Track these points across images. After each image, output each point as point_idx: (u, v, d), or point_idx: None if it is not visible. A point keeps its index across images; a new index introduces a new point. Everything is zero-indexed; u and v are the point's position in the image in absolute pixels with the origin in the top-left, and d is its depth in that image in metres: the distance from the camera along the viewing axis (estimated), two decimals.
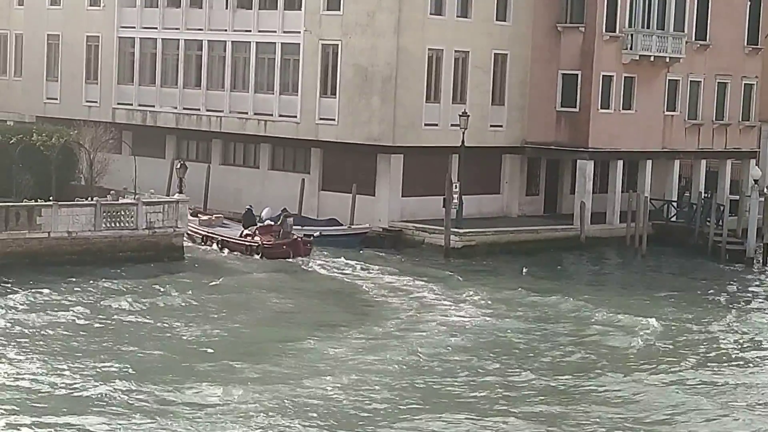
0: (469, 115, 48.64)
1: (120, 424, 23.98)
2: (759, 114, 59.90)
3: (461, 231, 47.16)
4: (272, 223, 46.87)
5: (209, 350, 30.29)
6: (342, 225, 48.27)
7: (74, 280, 37.68)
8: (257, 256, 44.21)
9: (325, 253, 44.90)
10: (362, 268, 43.11)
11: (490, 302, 37.97)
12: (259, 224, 46.14)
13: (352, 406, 25.95)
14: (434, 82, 49.78)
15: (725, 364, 31.74)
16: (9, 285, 36.45)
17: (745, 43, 57.99)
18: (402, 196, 49.16)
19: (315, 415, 25.17)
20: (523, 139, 52.53)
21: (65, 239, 40.29)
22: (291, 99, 51.11)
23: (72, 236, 40.48)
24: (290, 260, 43.70)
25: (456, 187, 47.71)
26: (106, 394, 25.76)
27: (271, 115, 51.65)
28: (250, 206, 48.05)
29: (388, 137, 48.64)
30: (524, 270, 43.99)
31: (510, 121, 52.22)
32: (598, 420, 25.86)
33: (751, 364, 31.98)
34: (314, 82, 50.29)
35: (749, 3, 57.75)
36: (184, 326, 32.84)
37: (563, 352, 32.23)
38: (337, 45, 49.68)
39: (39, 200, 41.67)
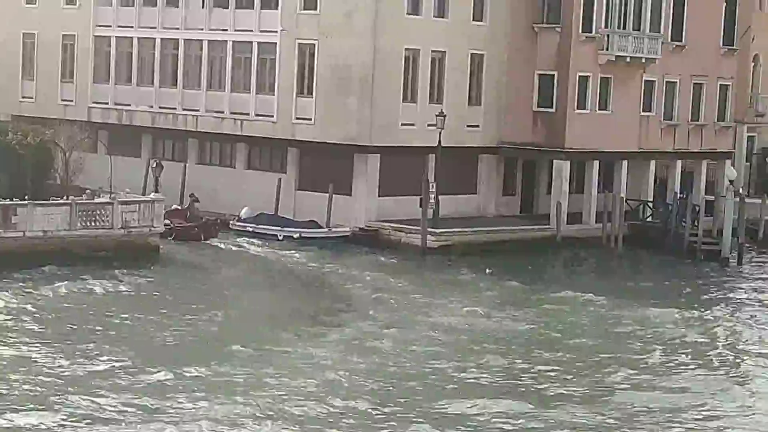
0: (445, 115, 48.66)
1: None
2: (734, 115, 60.15)
3: (438, 231, 47.18)
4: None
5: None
6: (322, 227, 48.24)
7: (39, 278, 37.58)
8: (170, 238, 44.83)
9: (297, 253, 45.02)
10: (339, 267, 43.13)
11: (466, 302, 37.98)
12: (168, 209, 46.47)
13: (330, 406, 25.93)
14: (411, 82, 49.79)
15: (695, 363, 31.84)
16: None
17: (721, 44, 58.20)
18: (379, 196, 49.14)
19: (293, 415, 25.14)
20: (500, 139, 52.57)
21: (40, 238, 40.10)
22: (267, 98, 51.04)
23: (47, 235, 40.30)
24: (206, 242, 45.65)
25: (432, 187, 47.73)
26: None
27: (248, 114, 51.58)
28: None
29: (365, 137, 48.62)
30: (488, 270, 43.95)
31: (486, 122, 52.27)
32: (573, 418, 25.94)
33: (722, 364, 32.07)
34: (291, 81, 50.24)
35: (725, 4, 57.97)
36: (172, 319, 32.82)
37: (546, 350, 32.27)
38: (314, 45, 49.64)
39: (14, 199, 41.44)
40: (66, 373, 27.54)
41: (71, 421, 24.14)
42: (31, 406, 24.90)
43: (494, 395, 27.52)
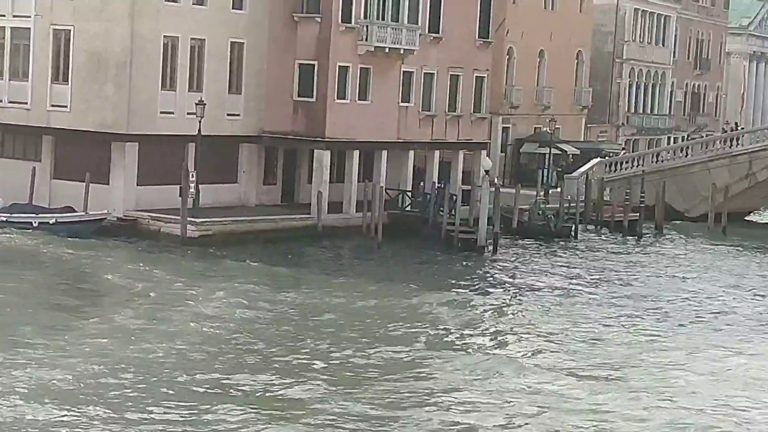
0: (205, 104, 48.23)
1: None
2: (489, 106, 61.59)
3: (198, 220, 46.74)
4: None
5: None
6: (77, 212, 47.14)
7: None
8: None
9: (52, 242, 43.96)
10: (96, 257, 42.29)
11: (226, 291, 37.76)
12: None
13: (86, 396, 25.34)
14: (170, 69, 49.15)
15: (449, 345, 32.48)
16: None
17: (477, 37, 59.48)
18: (137, 185, 48.33)
19: (46, 403, 24.46)
20: (261, 128, 52.45)
21: None
22: (21, 85, 49.62)
23: None
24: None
25: (192, 176, 47.25)
26: None
27: (1, 101, 50.05)
28: None
29: (122, 125, 47.77)
30: (248, 261, 43.85)
31: (247, 110, 52.06)
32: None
33: (479, 347, 32.83)
34: (45, 68, 48.95)
35: None
36: None
37: (309, 337, 32.34)
38: (70, 30, 48.49)
39: None
40: None
41: None
42: None
43: (260, 378, 27.43)
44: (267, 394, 26.57)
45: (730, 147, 67.48)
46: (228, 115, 51.34)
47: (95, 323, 32.44)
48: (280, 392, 26.77)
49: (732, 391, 29.31)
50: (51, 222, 46.22)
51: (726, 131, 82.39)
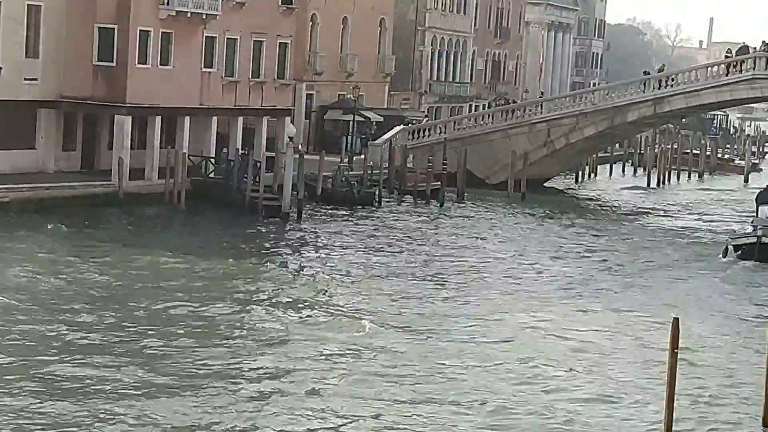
0: (1, 68, 46.83)
1: None
2: (293, 73, 61.47)
3: None
4: None
5: None
6: None
7: None
8: None
9: None
10: None
11: (28, 260, 36.89)
12: None
13: None
14: None
15: (244, 312, 32.48)
16: None
17: (280, 3, 59.25)
18: None
19: None
20: (60, 93, 51.24)
21: None
22: None
23: None
24: None
25: None
26: None
27: None
28: None
29: None
30: (50, 226, 42.94)
31: (45, 75, 50.79)
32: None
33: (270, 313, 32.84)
34: None
35: None
36: None
37: (118, 305, 31.82)
38: None
39: None
40: None
41: None
42: None
43: (41, 354, 26.89)
44: (44, 370, 25.91)
45: (530, 115, 68.87)
46: (25, 79, 49.99)
47: None
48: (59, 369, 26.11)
49: (527, 352, 29.98)
50: None
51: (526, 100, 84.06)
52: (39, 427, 22.17)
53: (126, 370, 25.97)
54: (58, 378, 25.15)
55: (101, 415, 22.94)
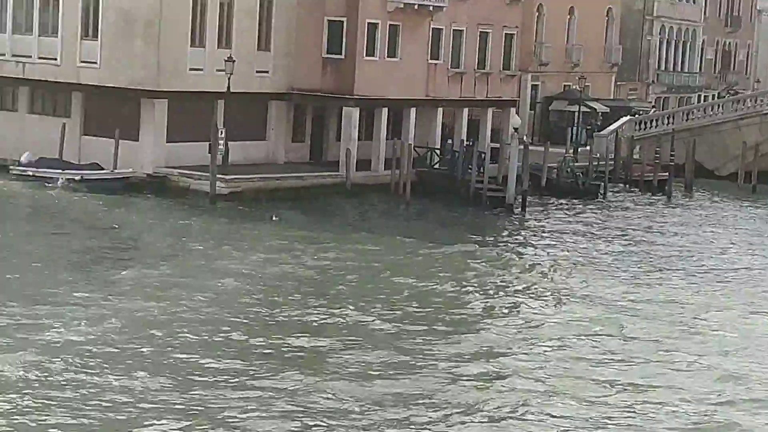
0: (234, 61, 48.15)
1: None
2: (519, 64, 61.31)
3: (227, 177, 46.79)
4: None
5: None
6: (104, 169, 47.34)
7: None
8: None
9: (80, 197, 44.21)
10: (124, 213, 42.52)
11: (258, 248, 37.85)
12: None
13: (111, 354, 25.50)
14: (199, 26, 49.10)
15: (481, 303, 32.55)
16: None
17: None
18: (167, 142, 48.42)
19: (73, 361, 24.61)
20: (290, 85, 52.38)
21: None
22: (51, 41, 49.67)
23: None
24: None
25: (222, 133, 47.29)
26: None
27: (30, 56, 50.13)
28: None
29: (152, 82, 47.78)
30: (274, 217, 43.91)
31: (276, 68, 51.99)
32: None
33: (503, 304, 32.85)
34: (75, 23, 48.98)
35: None
36: None
37: (327, 296, 32.42)
38: None
39: None
40: None
41: None
42: None
43: (290, 336, 27.53)
44: (298, 353, 26.62)
45: (761, 106, 67.03)
46: (257, 72, 51.29)
47: (122, 279, 32.48)
48: (309, 350, 26.82)
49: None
50: (77, 178, 46.46)
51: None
52: (289, 399, 22.77)
53: (365, 349, 26.44)
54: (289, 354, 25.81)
55: (343, 391, 23.46)
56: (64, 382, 23.22)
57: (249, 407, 22.52)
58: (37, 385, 23.02)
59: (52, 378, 23.41)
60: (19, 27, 50.46)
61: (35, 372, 23.62)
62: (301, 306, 30.77)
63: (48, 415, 21.49)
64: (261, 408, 22.56)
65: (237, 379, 24.25)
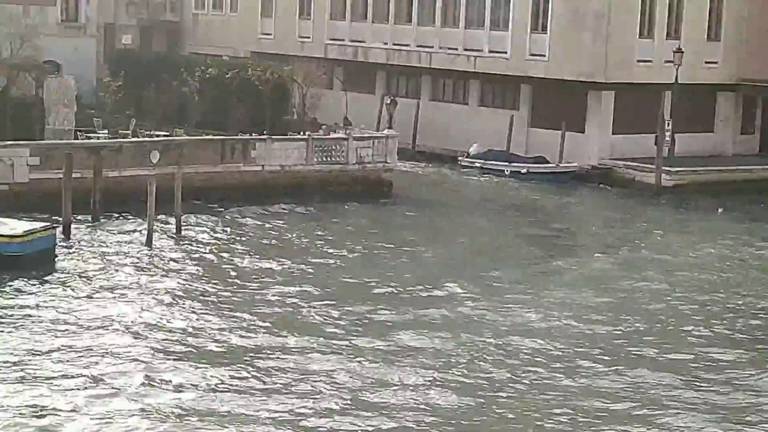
0: (683, 51, 47.52)
1: None
2: None
3: (673, 169, 46.30)
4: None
5: None
6: (550, 163, 48.08)
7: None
8: None
9: (526, 189, 45.07)
10: (570, 204, 43.02)
11: (706, 240, 37.27)
12: None
13: (556, 340, 25.86)
14: (648, 17, 48.81)
15: None
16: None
17: None
18: (612, 134, 48.52)
19: (527, 350, 25.17)
20: (739, 76, 51.09)
21: (278, 173, 41.03)
22: (501, 35, 50.86)
23: (284, 170, 41.20)
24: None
25: (668, 125, 46.82)
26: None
27: (481, 51, 51.54)
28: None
29: (600, 74, 47.97)
30: (720, 210, 42.92)
31: (725, 58, 50.87)
32: None
33: None
34: (525, 17, 49.90)
35: None
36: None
37: None
38: None
39: (253, 134, 42.58)
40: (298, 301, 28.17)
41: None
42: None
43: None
44: None
45: None
46: (705, 62, 50.37)
47: (568, 269, 32.86)
48: None
49: None
50: (522, 171, 47.48)
51: None
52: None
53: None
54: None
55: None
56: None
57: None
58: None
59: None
60: (471, 22, 51.96)
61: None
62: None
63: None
64: None
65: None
